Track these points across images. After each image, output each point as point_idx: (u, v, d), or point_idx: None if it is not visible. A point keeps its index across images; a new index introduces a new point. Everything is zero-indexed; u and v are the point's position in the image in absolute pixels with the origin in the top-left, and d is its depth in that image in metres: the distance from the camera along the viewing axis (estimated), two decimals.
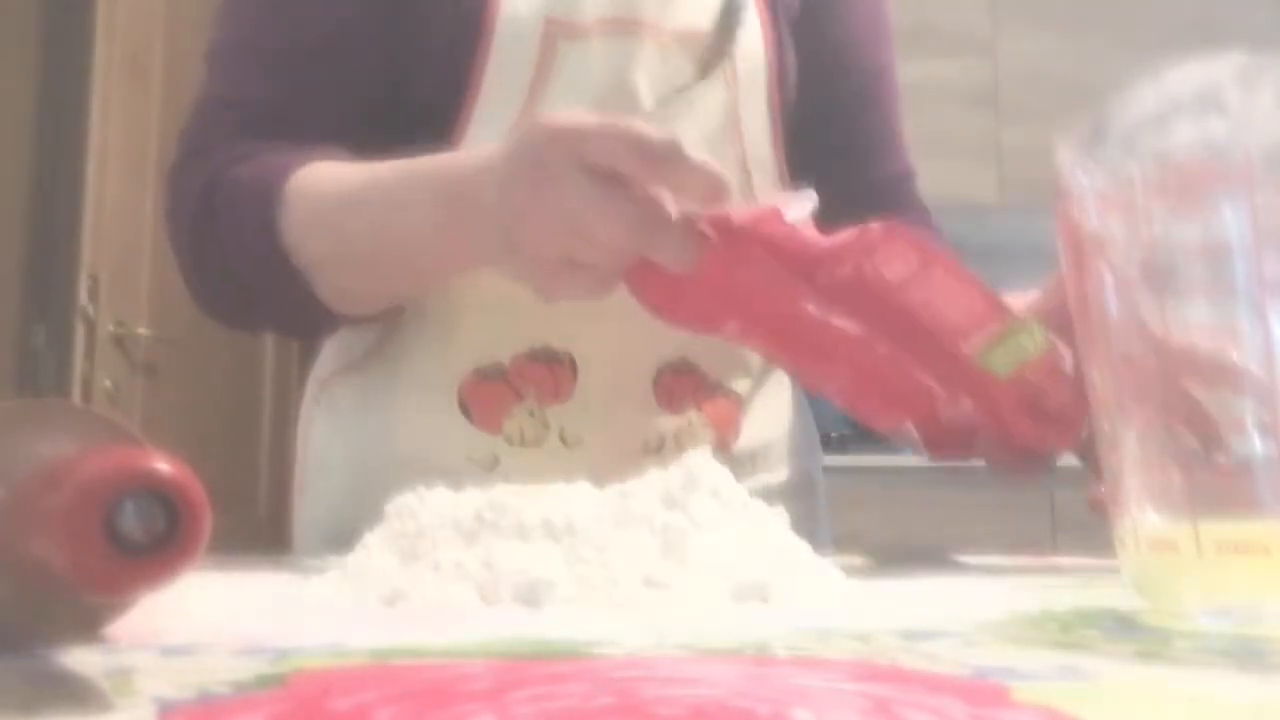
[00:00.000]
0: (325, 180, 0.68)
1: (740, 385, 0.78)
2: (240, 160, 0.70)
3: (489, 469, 0.71)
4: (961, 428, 0.59)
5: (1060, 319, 0.56)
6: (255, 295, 0.70)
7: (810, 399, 0.88)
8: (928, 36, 2.83)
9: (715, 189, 0.52)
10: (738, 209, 0.55)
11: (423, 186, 0.63)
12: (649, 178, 0.52)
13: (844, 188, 0.84)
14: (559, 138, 0.53)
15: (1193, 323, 0.36)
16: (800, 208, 0.55)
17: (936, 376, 0.57)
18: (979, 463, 0.61)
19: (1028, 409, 0.56)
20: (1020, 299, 0.59)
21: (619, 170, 0.52)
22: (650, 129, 0.52)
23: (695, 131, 0.73)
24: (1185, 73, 0.35)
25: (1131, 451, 0.37)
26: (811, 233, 0.55)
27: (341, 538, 0.71)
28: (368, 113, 0.74)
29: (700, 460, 0.47)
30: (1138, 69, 0.35)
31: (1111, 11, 2.88)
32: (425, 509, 0.46)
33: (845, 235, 0.54)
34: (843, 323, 0.57)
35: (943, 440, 0.60)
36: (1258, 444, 0.34)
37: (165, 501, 0.24)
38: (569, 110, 0.56)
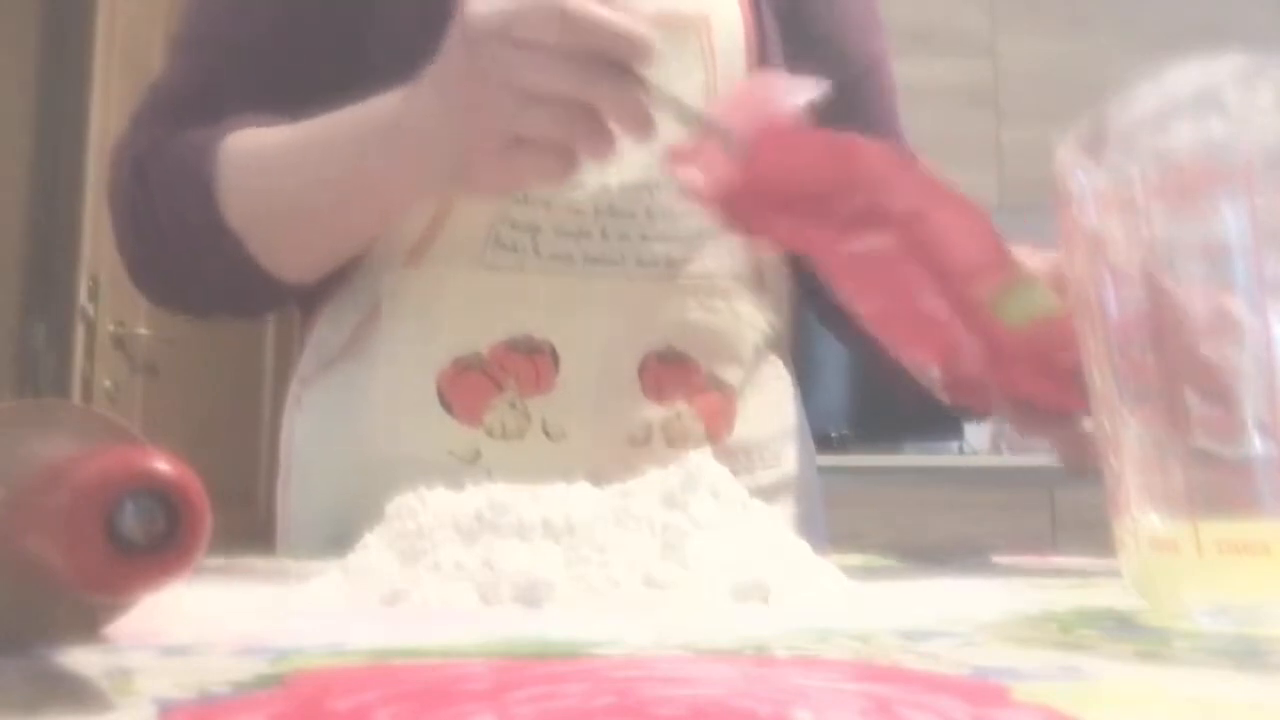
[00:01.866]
0: (260, 136, 0.68)
1: (732, 375, 0.77)
2: (175, 134, 0.71)
3: (470, 463, 0.70)
4: (980, 380, 0.59)
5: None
6: (192, 266, 0.71)
7: (806, 398, 0.88)
8: (928, 36, 2.84)
9: (636, 46, 0.53)
10: (736, 113, 0.55)
11: (358, 123, 0.64)
12: (576, 42, 0.52)
13: None
14: (482, 23, 0.54)
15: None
16: (799, 95, 0.56)
17: (951, 312, 0.56)
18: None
19: (1036, 363, 0.55)
20: (1039, 260, 0.59)
21: (547, 43, 0.52)
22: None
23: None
24: (1185, 73, 0.35)
25: (1131, 451, 0.37)
26: (817, 157, 0.55)
27: (327, 536, 0.71)
28: (330, 100, 0.74)
29: (700, 460, 0.47)
30: (1138, 69, 0.35)
31: (1111, 11, 2.88)
32: (425, 509, 0.45)
33: (851, 158, 0.55)
34: (866, 248, 0.57)
35: (962, 388, 0.60)
36: (1258, 444, 0.34)
37: (165, 501, 0.24)
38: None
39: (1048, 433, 0.60)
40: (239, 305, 0.76)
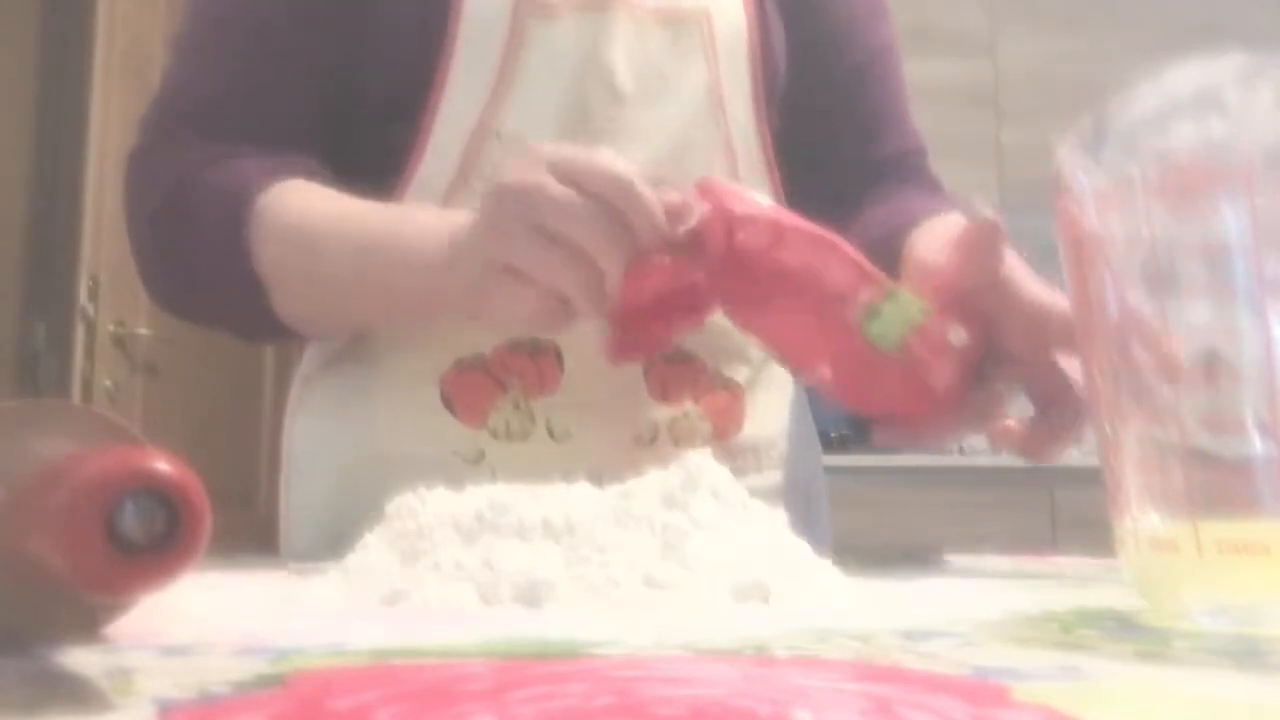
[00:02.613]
0: (300, 205, 0.69)
1: (739, 374, 0.76)
2: (211, 163, 0.71)
3: (475, 464, 0.70)
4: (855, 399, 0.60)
5: (965, 299, 0.56)
6: (212, 297, 0.72)
7: (811, 398, 0.88)
8: (928, 36, 2.83)
9: (677, 216, 0.55)
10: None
11: (394, 237, 0.65)
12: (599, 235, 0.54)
13: (852, 167, 0.84)
14: (507, 198, 0.56)
15: (1193, 323, 0.36)
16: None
17: (832, 348, 0.58)
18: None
19: (911, 387, 0.56)
20: (932, 269, 0.59)
21: (570, 232, 0.54)
22: (609, 164, 0.54)
23: (676, 115, 0.73)
24: (1185, 73, 0.35)
25: (1131, 451, 0.37)
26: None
27: (329, 537, 0.71)
28: (334, 97, 0.74)
29: (700, 460, 0.47)
30: (1138, 69, 0.35)
31: (1111, 11, 2.88)
32: (425, 509, 0.45)
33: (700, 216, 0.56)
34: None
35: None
36: (1258, 444, 0.34)
37: (165, 501, 0.24)
38: (525, 157, 0.57)
39: (912, 439, 0.61)
40: (249, 334, 0.77)
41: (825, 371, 0.58)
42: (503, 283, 0.57)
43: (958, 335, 0.56)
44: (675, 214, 0.55)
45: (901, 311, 0.55)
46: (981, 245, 0.56)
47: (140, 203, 0.73)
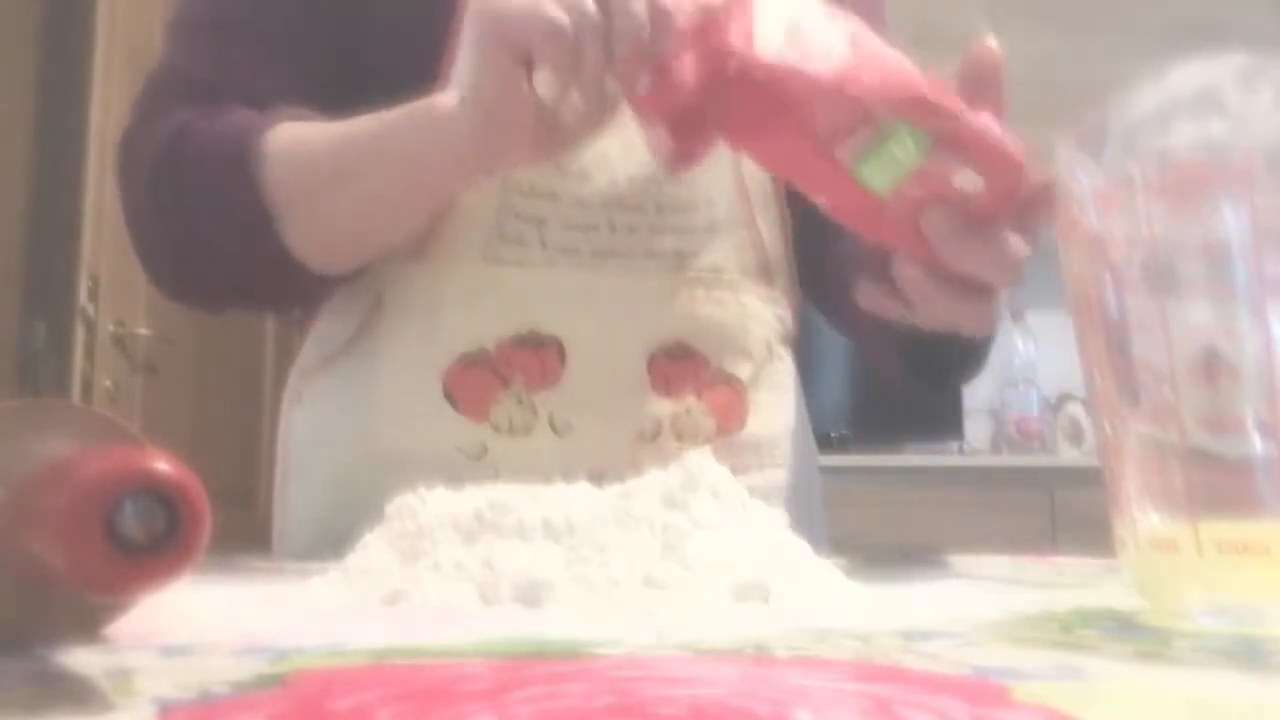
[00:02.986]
0: (302, 126, 0.67)
1: (742, 370, 0.76)
2: (206, 116, 0.69)
3: (477, 459, 0.70)
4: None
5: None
6: (220, 254, 0.69)
7: (807, 397, 0.88)
8: (928, 36, 2.83)
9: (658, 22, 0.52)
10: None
11: (397, 116, 0.63)
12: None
13: None
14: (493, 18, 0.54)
15: (1193, 323, 0.36)
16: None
17: (828, 183, 0.54)
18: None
19: (908, 229, 0.52)
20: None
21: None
22: None
23: None
24: (1185, 73, 0.35)
25: (1131, 451, 0.37)
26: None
27: (327, 534, 0.71)
28: (333, 86, 0.73)
29: (700, 460, 0.47)
30: (1138, 69, 0.35)
31: (1111, 12, 2.88)
32: (425, 509, 0.46)
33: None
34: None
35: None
36: (1258, 444, 0.34)
37: (165, 501, 0.24)
38: None
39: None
40: (255, 296, 0.74)
41: (824, 201, 0.54)
42: (517, 83, 0.55)
43: (967, 180, 0.50)
44: (656, 21, 0.52)
45: (892, 156, 0.50)
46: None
47: (136, 171, 0.71)
